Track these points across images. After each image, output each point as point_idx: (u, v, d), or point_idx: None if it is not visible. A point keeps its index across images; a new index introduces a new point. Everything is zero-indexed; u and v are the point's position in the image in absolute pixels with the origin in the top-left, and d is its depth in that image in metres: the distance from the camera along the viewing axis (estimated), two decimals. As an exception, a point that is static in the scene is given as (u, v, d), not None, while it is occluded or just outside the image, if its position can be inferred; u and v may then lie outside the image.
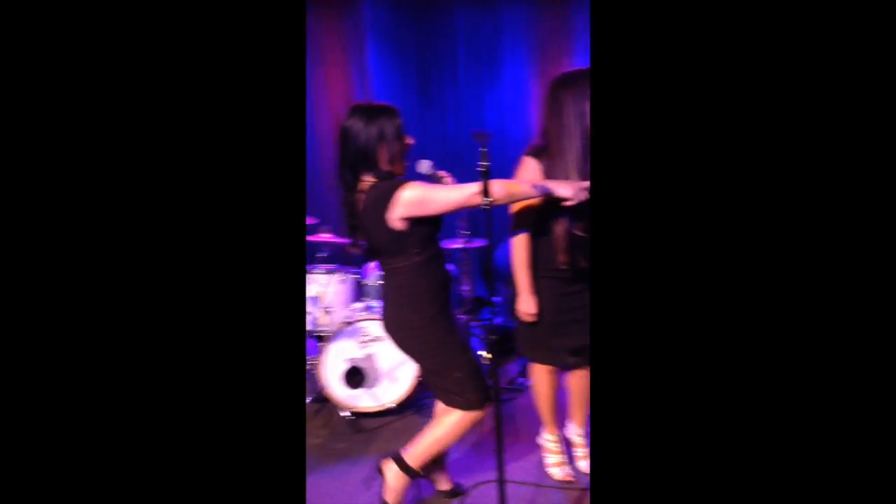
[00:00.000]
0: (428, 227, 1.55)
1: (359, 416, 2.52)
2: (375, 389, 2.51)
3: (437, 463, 1.86)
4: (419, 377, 2.48)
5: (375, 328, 2.49)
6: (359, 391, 2.50)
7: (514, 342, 1.98)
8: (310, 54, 3.66)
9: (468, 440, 2.29)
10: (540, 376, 1.97)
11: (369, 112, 1.55)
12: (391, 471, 1.71)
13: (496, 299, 3.39)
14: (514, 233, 1.82)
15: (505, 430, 1.97)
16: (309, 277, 2.73)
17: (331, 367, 2.50)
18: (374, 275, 2.84)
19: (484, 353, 1.70)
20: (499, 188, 1.47)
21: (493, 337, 1.56)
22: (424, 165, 1.56)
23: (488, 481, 1.98)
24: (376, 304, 2.65)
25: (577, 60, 3.88)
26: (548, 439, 2.06)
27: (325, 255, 2.89)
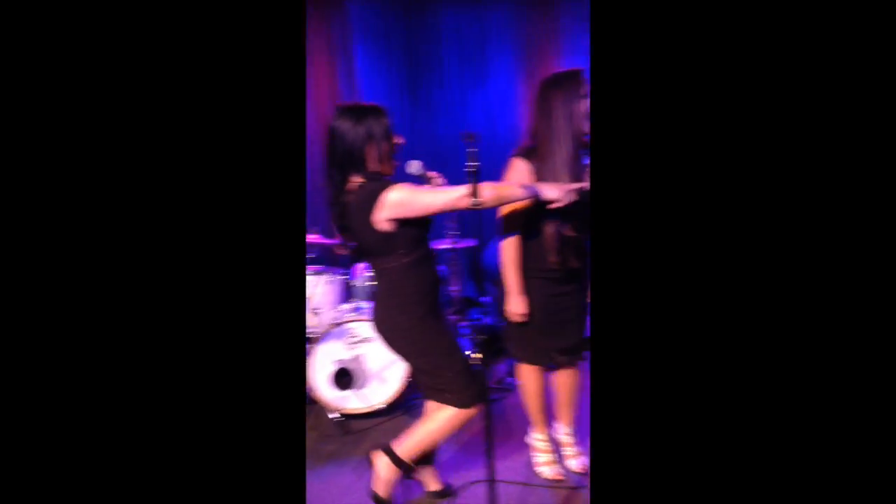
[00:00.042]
0: (416, 228, 1.55)
1: (347, 417, 2.51)
2: (364, 391, 2.50)
3: (427, 463, 1.86)
4: (408, 378, 2.48)
5: (364, 329, 2.48)
6: (347, 392, 2.49)
7: (502, 342, 1.99)
8: (296, 54, 3.64)
9: (457, 440, 2.29)
10: (528, 376, 1.98)
11: (357, 112, 1.55)
12: (382, 462, 1.71)
13: (485, 299, 3.40)
14: (504, 233, 1.82)
15: (494, 429, 1.97)
16: (297, 279, 2.71)
17: (319, 369, 2.49)
18: (362, 276, 2.83)
19: (473, 354, 1.71)
20: (487, 191, 1.47)
21: (483, 337, 1.56)
22: (414, 166, 1.56)
23: (478, 481, 1.98)
24: (364, 305, 2.64)
25: (564, 61, 3.90)
26: (537, 438, 2.07)
27: (314, 256, 2.88)
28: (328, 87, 3.73)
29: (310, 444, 2.34)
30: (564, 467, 2.04)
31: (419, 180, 1.62)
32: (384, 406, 2.50)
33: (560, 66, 3.88)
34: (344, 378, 2.48)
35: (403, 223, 1.51)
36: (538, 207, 1.71)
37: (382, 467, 1.71)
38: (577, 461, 2.04)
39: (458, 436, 2.32)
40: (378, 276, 1.64)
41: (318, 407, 2.54)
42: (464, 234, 3.21)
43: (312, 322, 2.68)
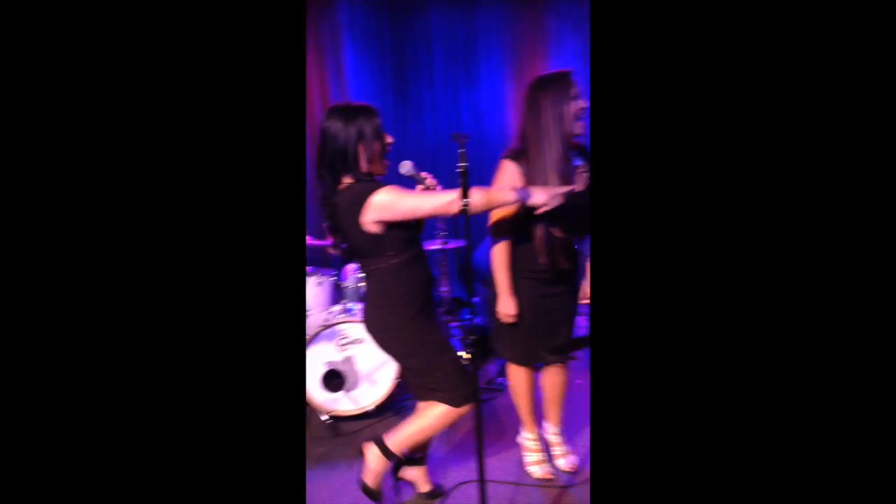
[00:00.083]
0: (405, 229, 1.56)
1: (338, 419, 2.50)
2: (354, 392, 2.50)
3: (418, 464, 1.86)
4: (398, 379, 2.48)
5: (354, 331, 2.48)
6: (338, 394, 2.48)
7: (492, 343, 1.99)
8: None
9: (448, 441, 2.29)
10: (517, 375, 1.98)
11: (348, 112, 1.55)
12: (372, 453, 1.72)
13: (475, 300, 3.41)
14: (494, 237, 1.83)
15: (484, 429, 1.97)
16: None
17: (309, 371, 2.48)
18: (352, 277, 2.83)
19: (463, 354, 1.71)
20: (477, 196, 1.47)
21: (473, 337, 1.57)
22: (406, 166, 1.56)
23: (468, 481, 1.98)
24: (355, 306, 2.64)
25: (553, 62, 3.92)
26: (527, 437, 2.08)
27: (303, 257, 2.86)
28: (318, 88, 3.72)
29: (300, 446, 2.33)
30: (554, 466, 2.05)
31: (411, 180, 1.62)
32: (374, 408, 2.49)
33: (548, 67, 3.90)
34: (334, 380, 2.47)
35: (392, 225, 1.52)
36: (528, 209, 1.72)
37: (372, 458, 1.71)
38: (565, 460, 2.05)
39: (448, 436, 2.32)
40: (368, 277, 1.65)
41: (309, 409, 2.53)
42: (453, 235, 3.22)
43: (302, 324, 2.67)
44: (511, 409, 2.43)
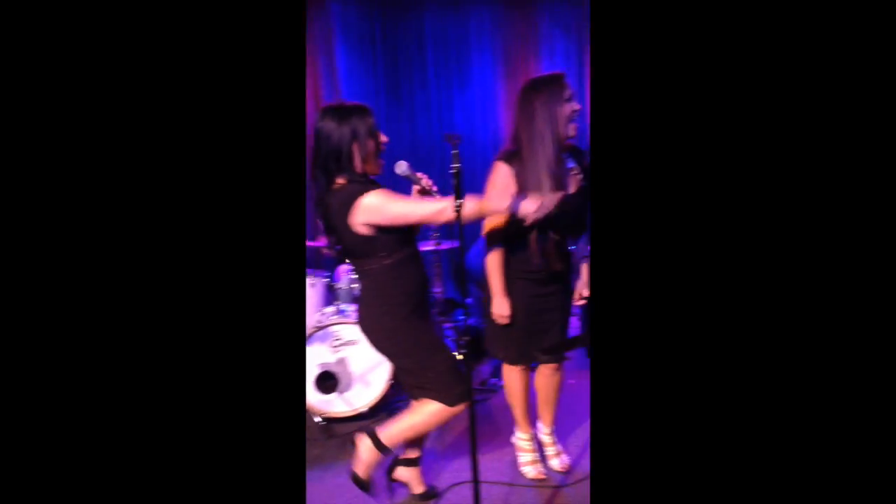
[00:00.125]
0: (399, 231, 1.56)
1: (331, 421, 2.50)
2: (348, 394, 2.49)
3: (412, 465, 1.86)
4: (391, 381, 2.48)
5: (347, 332, 2.47)
6: (331, 396, 2.48)
7: (486, 344, 2.00)
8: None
9: (441, 442, 2.29)
10: (512, 376, 1.99)
11: (341, 112, 1.55)
12: (364, 444, 1.72)
13: (468, 301, 3.41)
14: (488, 246, 1.83)
15: (478, 430, 1.98)
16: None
17: (302, 373, 2.47)
18: (345, 278, 2.82)
19: (456, 355, 1.72)
20: (470, 205, 1.47)
21: (466, 338, 1.57)
22: (401, 166, 1.56)
23: (462, 482, 1.99)
24: (348, 307, 2.63)
25: (544, 63, 3.94)
26: (521, 438, 2.08)
27: (295, 258, 2.85)
28: (311, 89, 3.71)
29: (293, 448, 2.32)
30: (547, 467, 2.05)
31: (406, 180, 1.62)
32: (367, 410, 2.49)
33: (540, 68, 3.92)
34: (328, 381, 2.46)
35: (382, 227, 1.52)
36: (520, 219, 1.73)
37: (364, 449, 1.72)
38: (558, 460, 2.06)
39: (441, 437, 2.32)
40: (362, 277, 1.65)
41: (301, 411, 2.53)
42: (446, 236, 3.22)
43: (295, 325, 2.66)
44: (504, 410, 2.43)
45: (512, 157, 1.75)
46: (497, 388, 2.78)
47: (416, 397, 1.71)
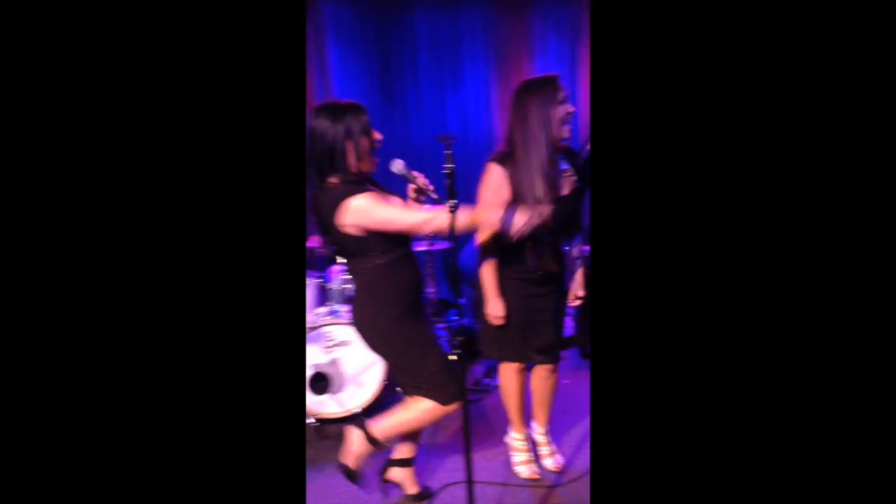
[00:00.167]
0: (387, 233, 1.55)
1: (324, 422, 2.49)
2: (341, 395, 2.48)
3: (405, 465, 1.85)
4: (385, 381, 2.47)
5: (340, 333, 2.46)
6: (324, 397, 2.47)
7: (480, 344, 2.00)
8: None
9: (435, 442, 2.29)
10: (508, 375, 1.99)
11: (335, 110, 1.54)
12: (354, 435, 1.72)
13: (461, 301, 3.41)
14: (481, 253, 1.83)
15: (471, 430, 1.97)
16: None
17: (294, 374, 2.46)
18: (337, 279, 2.81)
19: (450, 355, 1.72)
20: (462, 217, 1.46)
21: (460, 338, 1.57)
22: (397, 165, 1.55)
23: (456, 483, 1.98)
24: (340, 308, 2.62)
25: (537, 64, 3.95)
26: (515, 438, 2.08)
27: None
28: (302, 89, 3.70)
29: (285, 449, 2.31)
30: (541, 466, 2.06)
31: (402, 179, 1.61)
32: (360, 410, 2.48)
33: (533, 69, 3.92)
34: (320, 382, 2.45)
35: (369, 230, 1.52)
36: (515, 212, 1.73)
37: (354, 440, 1.72)
38: (552, 460, 2.07)
39: (435, 437, 2.32)
40: (355, 277, 1.65)
41: (294, 412, 2.51)
42: (439, 236, 3.21)
43: (287, 326, 2.64)
44: (497, 410, 2.43)
45: (505, 159, 1.75)
46: (490, 389, 2.78)
47: (411, 394, 1.71)
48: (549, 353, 1.94)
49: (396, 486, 1.88)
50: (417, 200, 1.67)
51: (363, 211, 1.48)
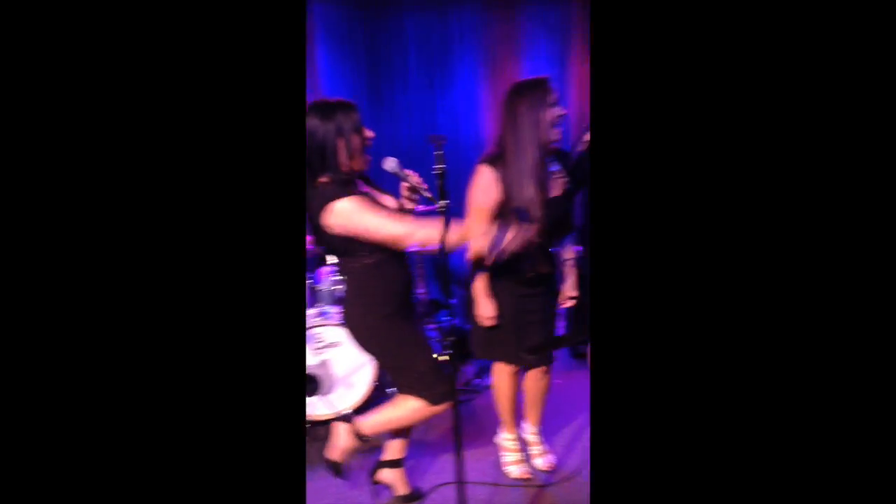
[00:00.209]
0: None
1: (314, 424, 2.48)
2: (331, 396, 2.47)
3: (396, 466, 1.85)
4: (375, 382, 2.47)
5: (330, 334, 2.45)
6: (314, 398, 2.46)
7: (471, 345, 2.00)
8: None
9: (425, 443, 2.29)
10: (501, 377, 1.99)
11: (326, 108, 1.54)
12: (341, 429, 1.72)
13: (452, 301, 3.41)
14: (472, 266, 1.83)
15: (462, 431, 1.98)
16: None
17: (284, 375, 2.44)
18: (327, 280, 2.80)
19: (441, 356, 1.72)
20: (453, 235, 1.45)
21: (451, 339, 1.58)
22: (390, 163, 1.54)
23: (446, 483, 1.98)
24: (330, 309, 2.61)
25: (526, 65, 3.96)
26: (506, 438, 2.09)
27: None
28: (291, 89, 3.68)
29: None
30: (531, 466, 2.06)
31: (395, 177, 1.60)
32: (351, 412, 2.47)
33: (523, 70, 3.94)
34: (310, 384, 2.44)
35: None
36: (504, 214, 1.74)
37: (340, 434, 1.72)
38: (543, 460, 2.07)
39: (425, 437, 2.32)
40: (346, 275, 1.65)
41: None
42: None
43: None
44: (487, 411, 2.44)
45: (495, 161, 1.75)
46: (481, 389, 2.79)
47: (403, 393, 1.71)
48: (541, 355, 1.94)
49: (387, 487, 1.87)
50: (410, 199, 1.67)
51: (347, 214, 1.48)
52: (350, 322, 1.67)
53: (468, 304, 1.91)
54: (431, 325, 2.99)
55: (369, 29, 3.86)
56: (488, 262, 1.70)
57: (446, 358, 1.69)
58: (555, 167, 1.82)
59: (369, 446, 1.78)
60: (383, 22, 3.87)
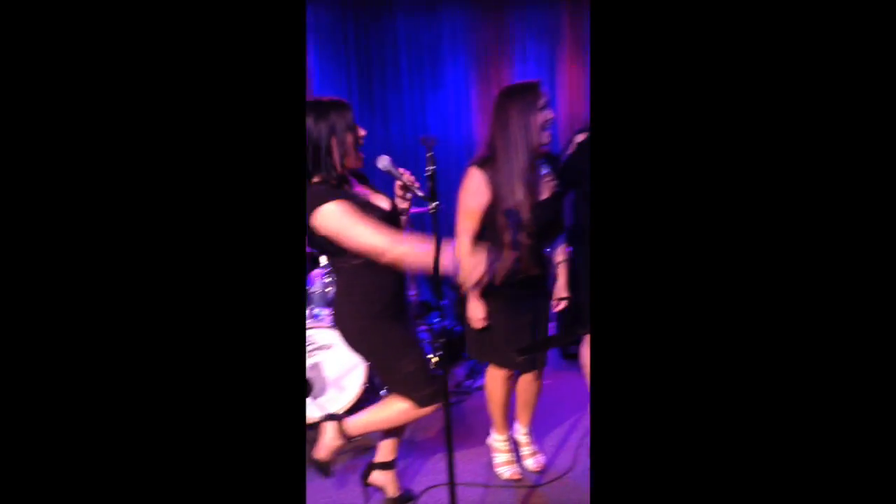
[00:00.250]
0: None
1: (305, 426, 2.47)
2: (322, 399, 2.47)
3: (387, 468, 1.85)
4: (366, 385, 2.46)
5: (321, 336, 2.45)
6: (305, 401, 2.45)
7: (462, 346, 2.01)
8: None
9: (416, 445, 2.29)
10: (495, 380, 1.99)
11: (318, 108, 1.53)
12: (328, 428, 1.72)
13: (443, 303, 3.42)
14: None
15: (453, 432, 1.98)
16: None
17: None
18: (318, 282, 2.79)
19: (432, 357, 1.72)
20: (446, 256, 1.45)
21: (442, 340, 1.58)
22: (383, 161, 1.53)
23: (437, 485, 1.98)
24: (321, 311, 2.60)
25: (517, 68, 3.98)
26: (497, 439, 2.09)
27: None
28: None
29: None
30: (522, 467, 2.07)
31: (388, 176, 1.60)
32: (341, 414, 2.46)
33: (512, 72, 3.95)
34: (300, 386, 2.43)
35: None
36: (494, 215, 1.75)
37: (327, 433, 1.72)
38: (533, 460, 2.08)
39: (416, 439, 2.32)
40: (336, 274, 1.66)
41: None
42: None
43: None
44: (477, 412, 2.44)
45: (485, 163, 1.76)
46: (472, 391, 2.79)
47: (394, 392, 1.71)
48: (534, 358, 1.95)
49: (378, 489, 1.87)
50: (404, 198, 1.67)
51: (330, 220, 1.48)
52: (340, 321, 1.67)
53: (459, 305, 1.92)
54: (423, 327, 2.99)
55: (360, 30, 3.86)
56: (478, 285, 1.70)
57: (436, 359, 1.69)
58: (545, 170, 1.83)
59: (355, 446, 1.78)
60: (374, 23, 3.87)
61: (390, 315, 1.64)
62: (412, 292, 3.05)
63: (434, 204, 1.42)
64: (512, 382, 2.01)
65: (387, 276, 1.62)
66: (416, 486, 1.99)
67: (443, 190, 1.52)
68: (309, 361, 2.45)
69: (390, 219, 1.63)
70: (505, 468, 2.04)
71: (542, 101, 1.73)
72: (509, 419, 2.09)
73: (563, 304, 2.00)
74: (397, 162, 1.55)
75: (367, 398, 2.53)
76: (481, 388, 2.69)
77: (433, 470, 2.10)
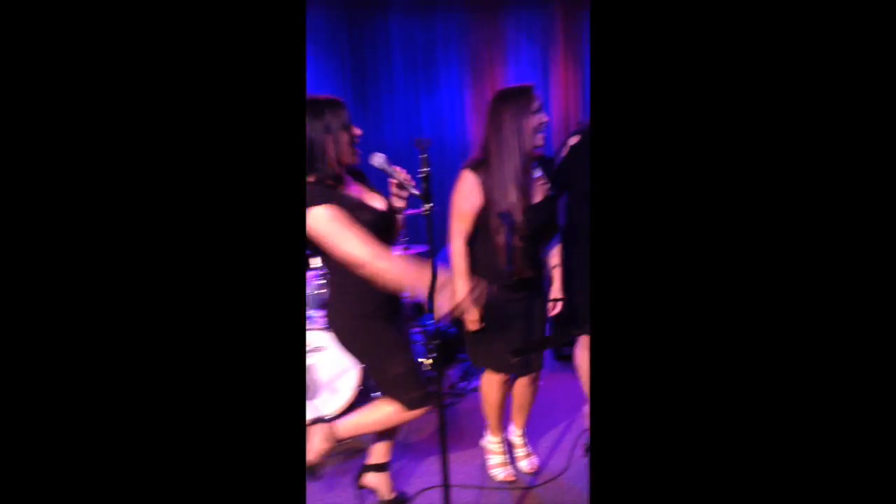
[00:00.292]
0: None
1: (298, 429, 2.46)
2: (315, 401, 2.46)
3: (381, 470, 1.85)
4: (360, 387, 2.46)
5: (315, 338, 2.44)
6: (298, 403, 2.44)
7: (455, 348, 2.01)
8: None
9: (410, 447, 2.29)
10: (491, 383, 1.99)
11: (313, 107, 1.53)
12: (316, 430, 1.71)
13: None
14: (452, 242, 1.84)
15: (447, 434, 1.98)
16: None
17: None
18: (311, 284, 2.79)
19: (424, 360, 1.72)
20: (441, 280, 1.43)
21: (436, 342, 1.57)
22: (378, 159, 1.52)
23: (431, 487, 1.98)
24: (314, 313, 2.60)
25: (510, 70, 3.99)
26: (491, 441, 2.10)
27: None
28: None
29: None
30: (516, 468, 2.07)
31: (383, 174, 1.60)
32: (334, 416, 2.46)
33: (506, 74, 3.97)
34: (294, 388, 2.42)
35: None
36: (487, 218, 1.75)
37: (316, 435, 1.71)
38: (527, 462, 2.08)
39: (410, 441, 2.32)
40: (331, 272, 1.66)
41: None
42: (415, 240, 3.22)
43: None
44: (471, 414, 2.44)
45: (479, 166, 1.77)
46: (466, 392, 2.79)
47: (384, 393, 1.71)
48: (530, 360, 1.95)
49: (372, 491, 1.87)
50: (399, 196, 1.67)
51: (317, 224, 1.47)
52: (332, 319, 1.67)
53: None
54: (416, 329, 2.99)
55: (354, 31, 3.86)
56: (448, 317, 1.70)
57: (430, 362, 1.69)
58: (538, 173, 1.84)
59: (347, 448, 1.77)
60: (368, 24, 3.88)
61: (383, 316, 1.64)
62: (405, 294, 3.05)
63: (428, 206, 1.42)
64: (508, 386, 2.01)
65: None
66: (410, 489, 1.99)
67: (436, 192, 1.52)
68: (302, 364, 2.44)
69: (385, 219, 1.63)
70: (499, 470, 2.04)
71: (535, 105, 1.73)
72: (504, 421, 2.09)
73: (559, 307, 2.01)
74: (391, 163, 1.55)
75: (361, 400, 2.52)
76: (475, 390, 2.69)
77: (427, 472, 2.10)
